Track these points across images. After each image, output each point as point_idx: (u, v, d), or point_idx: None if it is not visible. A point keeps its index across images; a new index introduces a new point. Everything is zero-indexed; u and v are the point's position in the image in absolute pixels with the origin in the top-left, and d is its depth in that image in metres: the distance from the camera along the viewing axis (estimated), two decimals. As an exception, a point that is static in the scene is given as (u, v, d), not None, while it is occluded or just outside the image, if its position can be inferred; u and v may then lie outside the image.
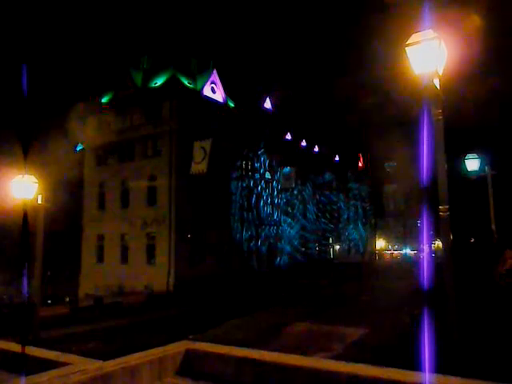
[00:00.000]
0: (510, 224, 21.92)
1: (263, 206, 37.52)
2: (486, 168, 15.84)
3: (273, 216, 38.73)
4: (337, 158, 54.38)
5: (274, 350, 4.74)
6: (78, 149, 38.06)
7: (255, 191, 36.70)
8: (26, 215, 11.76)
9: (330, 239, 51.23)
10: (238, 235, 34.18)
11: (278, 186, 39.87)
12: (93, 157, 34.82)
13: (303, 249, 44.07)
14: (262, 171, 37.77)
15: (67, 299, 27.18)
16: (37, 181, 12.40)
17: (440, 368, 4.42)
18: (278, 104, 41.68)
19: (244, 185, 35.37)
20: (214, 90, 34.66)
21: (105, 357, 4.36)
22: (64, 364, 4.12)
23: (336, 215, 52.18)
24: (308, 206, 45.87)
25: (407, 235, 74.08)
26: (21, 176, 12.11)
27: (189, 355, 4.24)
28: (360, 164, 61.93)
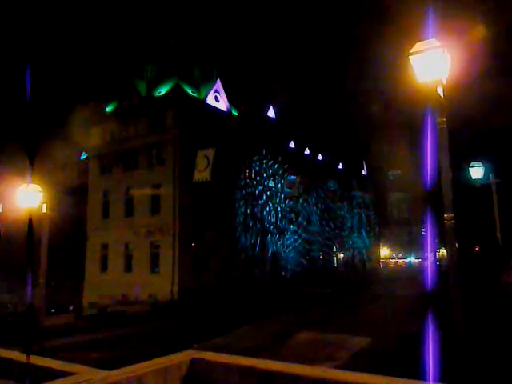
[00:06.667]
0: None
1: (267, 215, 37.50)
2: (491, 176, 15.82)
3: (276, 224, 38.68)
4: (340, 166, 54.35)
5: (279, 359, 4.72)
6: (82, 157, 38.23)
7: (259, 199, 36.70)
8: (30, 224, 11.77)
9: (334, 247, 51.06)
10: (241, 243, 34.12)
11: (281, 194, 39.86)
12: (97, 165, 34.94)
13: (307, 257, 43.92)
14: (265, 179, 37.80)
15: (71, 308, 27.19)
16: (42, 190, 12.46)
17: (446, 377, 4.38)
18: (281, 112, 41.79)
19: (248, 193, 35.37)
20: (217, 99, 34.81)
21: (110, 366, 4.35)
22: (69, 374, 4.11)
23: (340, 223, 52.06)
24: (312, 214, 45.78)
25: (412, 243, 73.82)
26: (26, 185, 12.17)
27: (194, 365, 4.22)
28: (364, 172, 61.87)
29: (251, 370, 3.88)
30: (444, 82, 5.64)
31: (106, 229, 32.68)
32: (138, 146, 32.02)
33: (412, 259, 74.87)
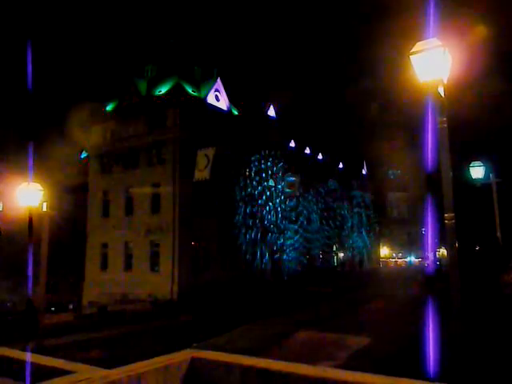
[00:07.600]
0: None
1: (267, 214, 37.48)
2: (491, 175, 15.84)
3: (277, 223, 38.66)
4: (341, 166, 54.36)
5: (279, 358, 4.73)
6: (82, 156, 38.23)
7: (259, 199, 36.68)
8: (31, 222, 11.78)
9: (334, 247, 51.06)
10: (241, 243, 34.12)
11: (281, 193, 39.82)
12: (97, 164, 34.93)
13: (307, 256, 43.93)
14: (265, 179, 37.77)
15: (71, 307, 27.21)
16: (42, 188, 12.47)
17: (446, 377, 4.38)
18: (281, 112, 41.77)
19: (247, 192, 35.37)
20: (217, 98, 34.79)
21: (110, 365, 4.35)
22: (69, 372, 4.11)
23: (340, 223, 52.05)
24: (312, 213, 45.76)
25: (412, 243, 73.82)
26: (26, 184, 12.18)
27: (194, 363, 4.22)
28: (364, 171, 61.85)
29: (251, 369, 3.88)
30: (445, 82, 5.64)
31: (106, 228, 32.67)
32: (138, 145, 32.01)
33: (412, 259, 74.78)
